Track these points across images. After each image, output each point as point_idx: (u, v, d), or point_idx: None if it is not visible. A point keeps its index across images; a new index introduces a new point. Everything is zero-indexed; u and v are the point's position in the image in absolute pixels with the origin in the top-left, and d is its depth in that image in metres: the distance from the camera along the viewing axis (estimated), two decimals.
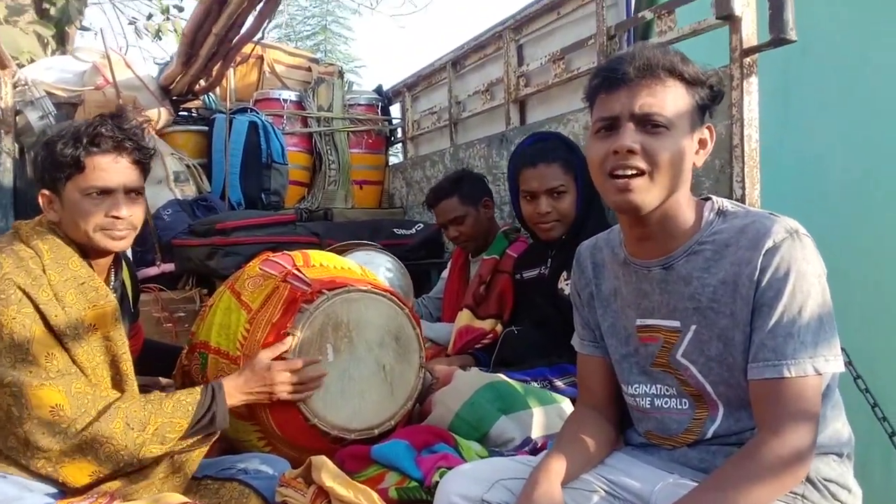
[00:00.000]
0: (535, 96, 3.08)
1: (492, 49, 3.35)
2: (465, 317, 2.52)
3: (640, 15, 2.36)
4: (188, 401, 1.51)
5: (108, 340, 1.52)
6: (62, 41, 6.12)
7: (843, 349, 1.20)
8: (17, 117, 3.39)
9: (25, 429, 1.36)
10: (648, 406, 1.35)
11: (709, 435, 1.27)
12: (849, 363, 2.10)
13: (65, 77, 3.75)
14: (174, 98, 4.03)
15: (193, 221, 3.32)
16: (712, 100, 1.26)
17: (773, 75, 2.40)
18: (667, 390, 1.32)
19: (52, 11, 6.18)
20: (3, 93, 3.13)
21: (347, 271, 1.92)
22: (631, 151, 1.18)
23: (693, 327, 1.26)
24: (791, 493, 1.17)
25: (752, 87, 1.96)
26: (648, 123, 1.19)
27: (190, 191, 3.69)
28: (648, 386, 1.35)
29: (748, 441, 1.17)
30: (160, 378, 2.06)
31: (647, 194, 1.20)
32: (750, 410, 1.21)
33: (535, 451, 1.66)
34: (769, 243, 1.17)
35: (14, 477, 1.40)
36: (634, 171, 1.19)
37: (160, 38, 7.64)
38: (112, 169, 1.51)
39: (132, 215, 1.55)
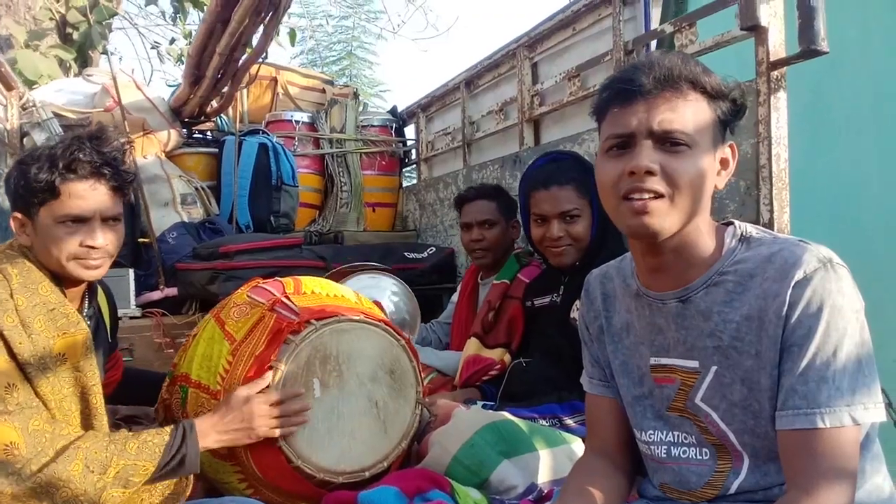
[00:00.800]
0: (550, 115, 2.97)
1: (506, 68, 3.25)
2: (472, 346, 2.40)
3: (659, 28, 2.24)
4: (155, 442, 1.40)
5: (78, 371, 1.42)
6: (85, 65, 6.17)
7: (883, 391, 1.07)
8: (25, 139, 3.36)
9: None
10: (664, 455, 1.21)
11: (732, 490, 1.13)
12: (889, 405, 1.91)
13: (75, 99, 3.73)
14: (186, 120, 3.99)
15: (198, 245, 3.24)
16: (734, 115, 1.13)
17: (801, 92, 2.26)
18: (685, 438, 1.19)
19: (76, 36, 6.25)
20: (8, 114, 3.09)
21: (340, 299, 1.80)
22: (649, 173, 1.05)
23: (713, 369, 1.12)
24: None
25: (780, 102, 1.82)
26: (668, 141, 1.06)
27: (197, 213, 3.62)
28: (664, 433, 1.21)
29: (777, 500, 1.03)
30: (148, 408, 1.95)
31: (665, 218, 1.07)
32: (780, 464, 1.07)
33: (539, 500, 1.51)
34: (799, 274, 1.03)
35: None
36: (652, 195, 1.06)
37: (182, 63, 7.70)
38: (89, 196, 1.43)
39: (108, 244, 1.47)
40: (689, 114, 1.06)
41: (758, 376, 1.07)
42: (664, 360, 1.19)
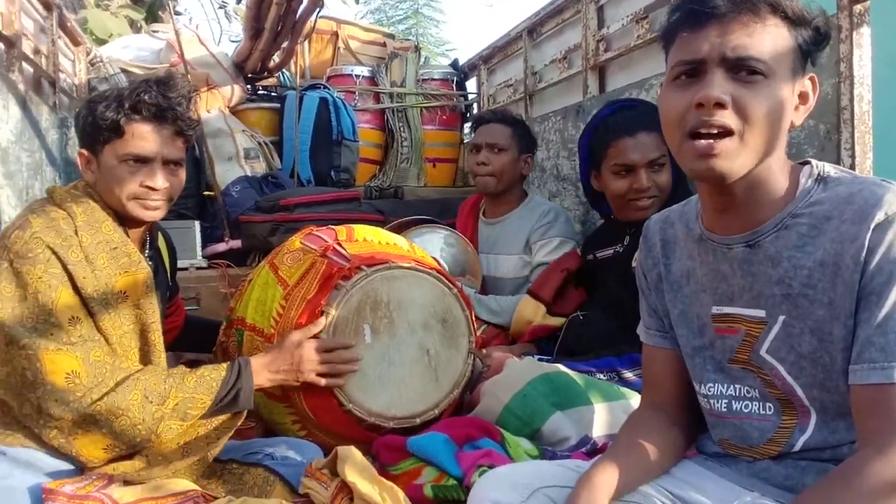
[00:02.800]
0: (616, 61, 2.83)
1: (570, 13, 3.12)
2: (538, 314, 2.24)
3: None
4: (213, 377, 1.44)
5: (139, 309, 1.46)
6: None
7: None
8: (93, 94, 3.45)
9: (38, 394, 1.31)
10: (725, 410, 1.15)
11: (797, 447, 1.07)
12: None
13: (141, 55, 3.81)
14: (249, 76, 4.02)
15: (260, 198, 3.28)
16: (817, 44, 1.03)
17: (889, 36, 2.08)
18: (748, 392, 1.13)
19: None
20: (76, 69, 3.18)
21: (392, 247, 1.78)
22: (719, 105, 0.96)
23: (781, 318, 1.05)
24: None
25: (863, 39, 1.68)
26: (743, 70, 0.97)
27: (260, 168, 3.67)
28: (725, 386, 1.15)
29: (846, 458, 0.97)
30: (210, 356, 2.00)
31: (735, 160, 0.98)
32: (850, 420, 1.00)
33: (593, 453, 1.48)
34: (880, 216, 0.95)
35: (14, 450, 1.34)
36: (721, 130, 0.97)
37: None
38: (151, 138, 1.47)
39: (168, 186, 1.50)
40: (767, 40, 0.97)
41: (830, 327, 0.99)
42: (727, 309, 1.12)
